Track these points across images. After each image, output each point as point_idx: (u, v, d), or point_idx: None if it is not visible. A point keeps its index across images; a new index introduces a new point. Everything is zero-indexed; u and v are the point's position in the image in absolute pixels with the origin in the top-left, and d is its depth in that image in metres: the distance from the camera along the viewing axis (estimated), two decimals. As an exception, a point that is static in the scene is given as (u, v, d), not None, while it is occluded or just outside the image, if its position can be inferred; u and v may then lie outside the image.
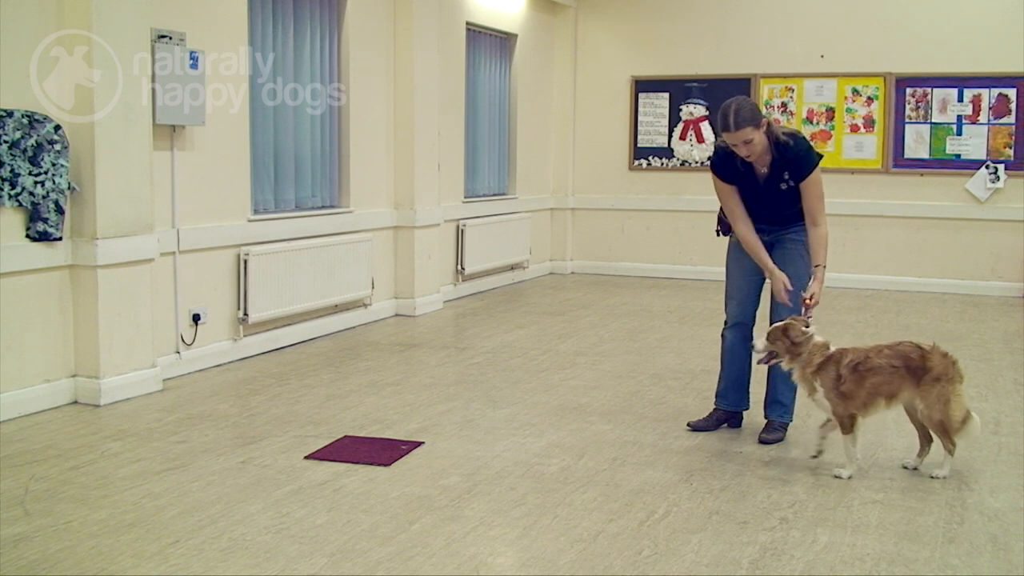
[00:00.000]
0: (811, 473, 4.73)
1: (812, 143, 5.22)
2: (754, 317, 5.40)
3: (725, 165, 5.18)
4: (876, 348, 4.81)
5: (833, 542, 3.91)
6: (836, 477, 4.67)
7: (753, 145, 4.93)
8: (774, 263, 5.23)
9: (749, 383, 5.48)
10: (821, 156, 5.15)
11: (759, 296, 5.42)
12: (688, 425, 5.47)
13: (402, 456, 4.89)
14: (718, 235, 5.54)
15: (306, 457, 4.89)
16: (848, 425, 4.69)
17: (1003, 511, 4.26)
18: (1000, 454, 5.07)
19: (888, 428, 5.49)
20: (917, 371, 4.65)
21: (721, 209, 5.40)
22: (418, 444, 5.11)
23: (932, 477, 4.67)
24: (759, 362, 4.98)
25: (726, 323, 5.46)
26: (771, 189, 5.10)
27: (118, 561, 3.67)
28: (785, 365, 4.86)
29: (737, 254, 5.41)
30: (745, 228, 5.21)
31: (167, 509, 4.19)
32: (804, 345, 4.77)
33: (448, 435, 5.30)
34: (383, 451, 4.96)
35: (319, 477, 4.60)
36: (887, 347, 4.78)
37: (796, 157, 5.02)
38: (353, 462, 4.80)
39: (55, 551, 3.76)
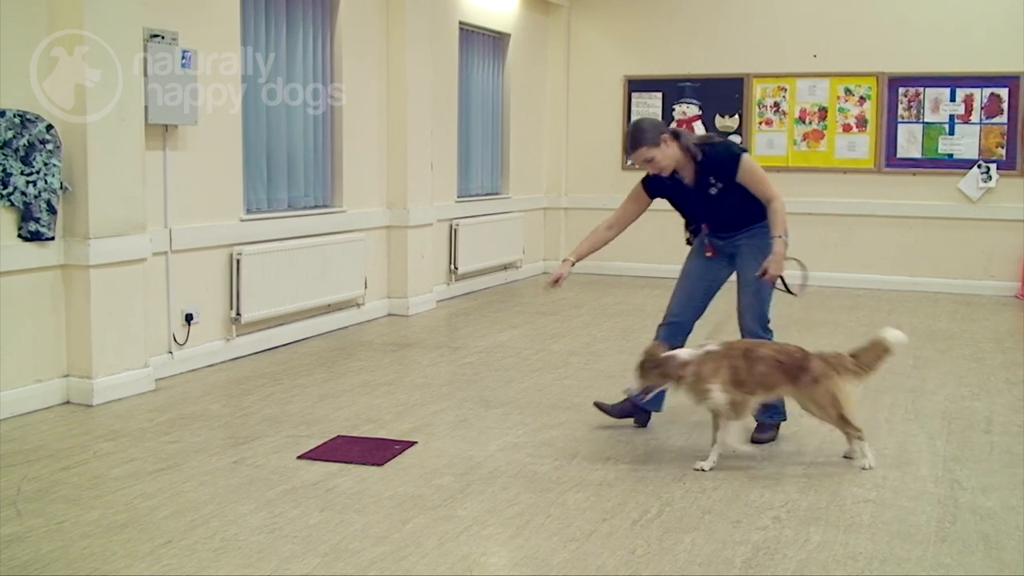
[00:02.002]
0: (804, 472, 4.74)
1: (730, 141, 5.23)
2: (692, 321, 5.36)
3: (654, 181, 5.30)
4: (759, 342, 4.99)
5: (826, 541, 3.92)
6: (699, 470, 4.72)
7: (656, 162, 5.08)
8: (737, 270, 5.27)
9: None
10: (744, 149, 5.22)
11: (705, 302, 5.36)
12: (595, 404, 5.53)
13: (395, 456, 4.89)
14: (689, 244, 5.54)
15: (299, 457, 4.89)
16: (740, 411, 4.76)
17: (995, 510, 4.27)
18: (992, 453, 5.09)
19: (881, 427, 5.51)
20: (795, 371, 4.76)
21: (686, 219, 5.47)
22: (411, 444, 5.11)
23: (862, 468, 4.77)
24: (637, 401, 5.04)
25: (662, 320, 5.43)
26: (703, 196, 5.17)
27: (111, 561, 3.67)
28: (672, 389, 4.89)
29: (693, 255, 5.45)
30: (604, 226, 5.62)
31: (159, 509, 4.18)
32: (671, 364, 4.78)
33: (441, 435, 5.30)
34: (376, 451, 4.96)
35: (312, 477, 4.60)
36: (773, 344, 4.98)
37: (715, 161, 5.09)
38: (346, 462, 4.80)
39: (47, 551, 3.75)
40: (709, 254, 5.36)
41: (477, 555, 3.78)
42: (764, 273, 5.02)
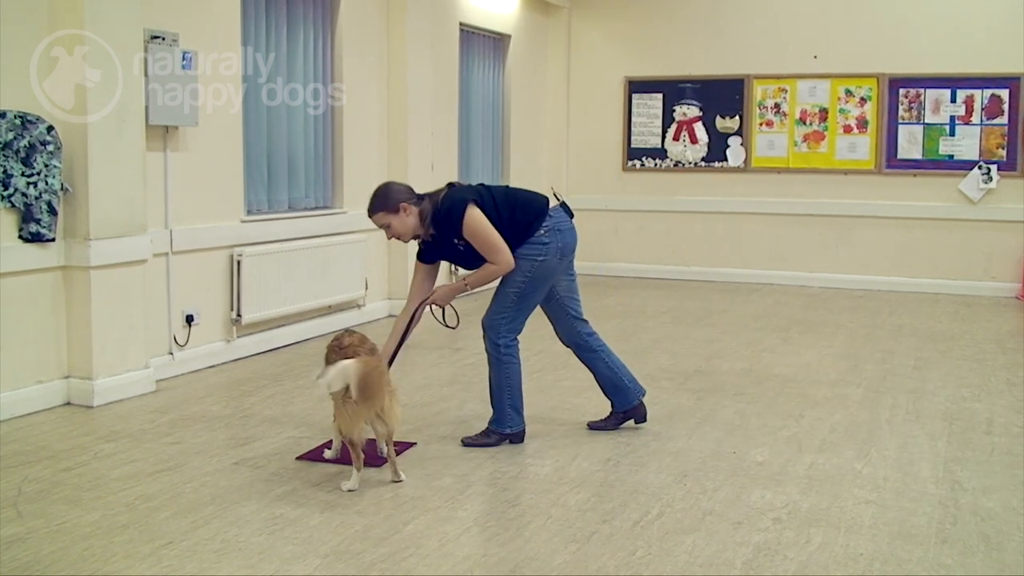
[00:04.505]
0: (805, 473, 4.74)
1: (457, 195, 4.93)
2: (570, 336, 5.45)
3: (425, 252, 5.14)
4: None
5: (827, 542, 3.92)
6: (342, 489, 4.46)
7: (393, 229, 4.91)
8: None
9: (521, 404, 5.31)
10: (466, 201, 4.85)
11: (559, 312, 5.46)
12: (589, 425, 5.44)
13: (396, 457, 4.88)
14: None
15: (299, 458, 4.89)
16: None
17: (996, 511, 4.27)
18: (993, 454, 5.08)
19: (882, 428, 5.51)
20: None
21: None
22: (411, 445, 5.11)
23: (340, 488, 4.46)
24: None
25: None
26: (454, 251, 5.03)
27: (111, 562, 3.67)
28: None
29: None
30: (403, 313, 5.19)
31: (160, 510, 4.18)
32: None
33: (442, 436, 5.30)
34: (377, 452, 4.95)
35: (313, 478, 4.60)
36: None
37: (444, 220, 4.89)
38: (347, 463, 4.78)
39: (48, 552, 3.75)
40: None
41: (478, 556, 3.78)
42: (429, 298, 5.07)
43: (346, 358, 4.56)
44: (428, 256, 5.15)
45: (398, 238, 5.02)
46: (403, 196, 4.95)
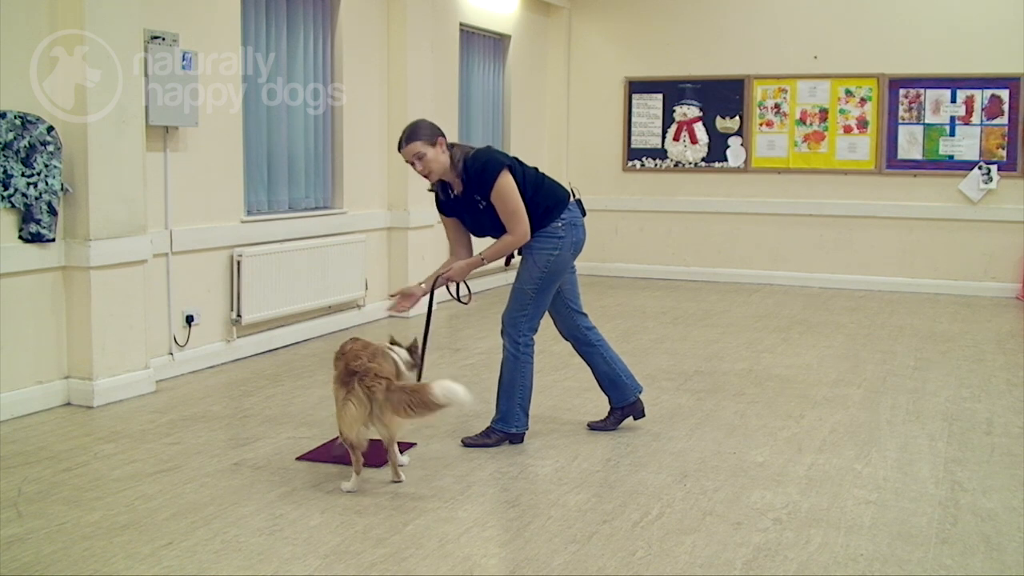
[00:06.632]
0: (805, 474, 4.74)
1: (493, 153, 5.01)
2: (570, 330, 5.44)
3: (443, 204, 5.14)
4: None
5: (827, 543, 3.92)
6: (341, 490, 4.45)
7: (427, 161, 4.85)
8: None
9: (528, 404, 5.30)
10: (503, 164, 4.91)
11: (562, 306, 5.41)
12: (589, 425, 5.40)
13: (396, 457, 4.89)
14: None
15: (299, 458, 4.89)
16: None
17: (996, 511, 4.27)
18: (993, 455, 5.08)
19: (882, 428, 5.51)
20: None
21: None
22: (411, 445, 5.11)
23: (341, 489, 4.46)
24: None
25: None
26: (473, 210, 5.03)
27: (111, 563, 3.67)
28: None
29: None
30: (454, 253, 5.24)
31: (160, 511, 4.18)
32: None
33: (441, 436, 5.30)
34: (376, 452, 4.95)
35: (312, 478, 4.60)
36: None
37: (476, 173, 4.90)
38: (347, 463, 4.78)
39: (48, 553, 3.75)
40: (506, 265, 5.30)
41: (478, 556, 3.78)
42: (444, 274, 5.11)
43: (347, 364, 4.53)
44: (446, 209, 5.16)
45: (427, 175, 4.95)
46: (440, 132, 4.95)
